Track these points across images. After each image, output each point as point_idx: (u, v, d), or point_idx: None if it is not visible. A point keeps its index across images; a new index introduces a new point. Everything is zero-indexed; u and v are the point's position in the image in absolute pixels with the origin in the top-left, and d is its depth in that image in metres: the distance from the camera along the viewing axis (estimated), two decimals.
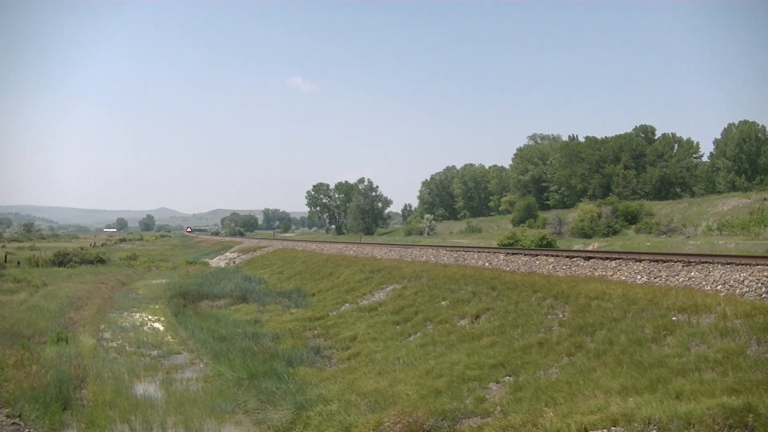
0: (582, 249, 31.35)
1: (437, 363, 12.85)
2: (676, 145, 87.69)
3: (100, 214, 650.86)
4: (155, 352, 18.48)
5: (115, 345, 19.31)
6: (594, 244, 39.81)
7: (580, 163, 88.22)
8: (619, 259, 16.50)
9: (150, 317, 25.49)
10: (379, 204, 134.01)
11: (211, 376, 15.46)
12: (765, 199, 47.83)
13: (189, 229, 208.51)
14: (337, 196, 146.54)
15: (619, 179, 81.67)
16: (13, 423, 10.70)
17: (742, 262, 13.11)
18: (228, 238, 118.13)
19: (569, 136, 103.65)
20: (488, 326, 14.42)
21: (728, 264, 13.20)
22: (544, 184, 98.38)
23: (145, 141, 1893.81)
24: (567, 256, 18.77)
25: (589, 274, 16.28)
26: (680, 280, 13.43)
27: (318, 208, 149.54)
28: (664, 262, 14.81)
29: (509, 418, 8.87)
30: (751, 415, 6.74)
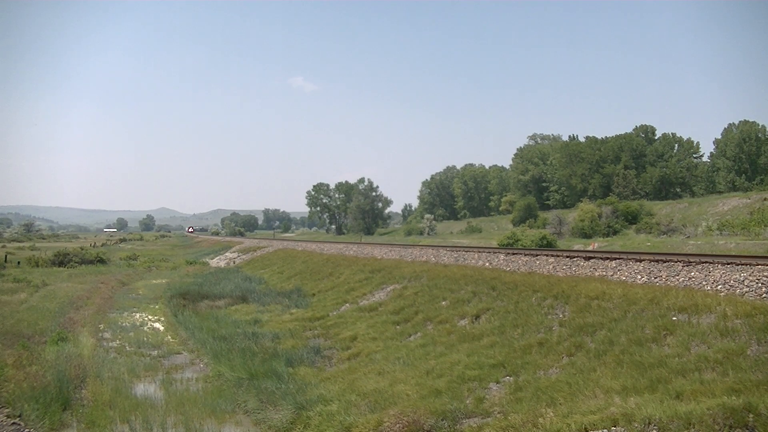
0: (582, 249, 31.34)
1: (437, 363, 12.85)
2: (676, 145, 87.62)
3: (100, 214, 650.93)
4: (155, 352, 18.47)
5: (115, 345, 19.30)
6: (594, 244, 39.77)
7: (580, 163, 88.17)
8: (619, 259, 16.49)
9: (150, 317, 25.48)
10: (379, 204, 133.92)
11: (211, 376, 15.45)
12: (765, 199, 47.80)
13: (191, 229, 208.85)
14: (337, 196, 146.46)
15: (620, 179, 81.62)
16: (13, 423, 10.69)
17: (743, 262, 13.10)
18: (228, 238, 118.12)
19: (569, 136, 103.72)
20: (488, 326, 14.42)
21: (728, 264, 13.19)
22: (544, 184, 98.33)
23: (145, 141, 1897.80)
24: (567, 256, 18.77)
25: (589, 274, 16.28)
26: (680, 280, 13.42)
27: (318, 208, 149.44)
28: (665, 262, 14.80)
29: (509, 418, 8.87)
30: (751, 415, 6.74)
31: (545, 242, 38.05)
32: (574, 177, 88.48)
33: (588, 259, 17.65)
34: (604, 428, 7.39)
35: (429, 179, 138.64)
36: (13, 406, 11.47)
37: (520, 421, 8.52)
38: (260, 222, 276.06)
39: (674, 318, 10.87)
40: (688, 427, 6.84)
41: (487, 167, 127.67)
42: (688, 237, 40.45)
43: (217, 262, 58.56)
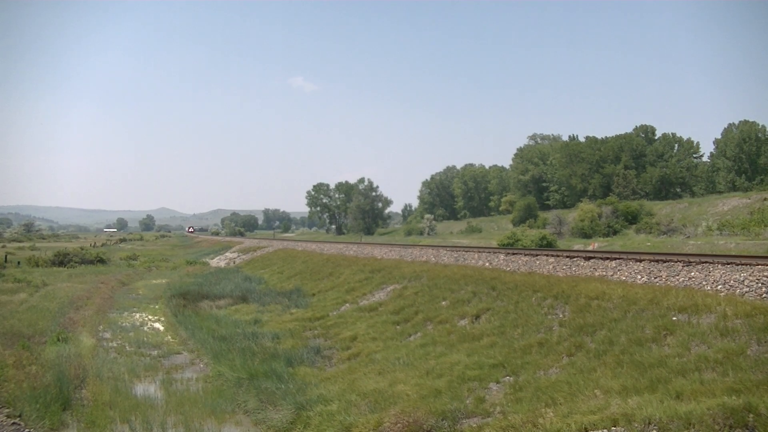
0: (582, 249, 31.34)
1: (437, 363, 12.85)
2: (676, 145, 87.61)
3: (100, 214, 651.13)
4: (155, 352, 18.47)
5: (115, 345, 19.31)
6: (594, 244, 39.77)
7: (580, 163, 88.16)
8: (619, 259, 16.49)
9: (150, 317, 25.49)
10: (379, 204, 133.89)
11: (211, 376, 15.45)
12: (765, 199, 47.80)
13: (191, 229, 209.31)
14: (337, 196, 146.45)
15: (620, 179, 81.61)
16: (14, 423, 10.69)
17: (743, 262, 13.10)
18: (228, 238, 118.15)
19: (569, 136, 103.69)
20: (488, 326, 14.42)
21: (728, 264, 13.19)
22: (544, 184, 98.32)
23: (145, 141, 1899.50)
24: (567, 256, 18.77)
25: (589, 274, 16.27)
26: (680, 280, 13.42)
27: (318, 208, 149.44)
28: (665, 262, 14.80)
29: (509, 418, 8.87)
30: (751, 415, 6.74)
31: (545, 242, 38.05)
32: (574, 177, 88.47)
33: (588, 259, 17.65)
34: (604, 428, 7.39)
35: (429, 179, 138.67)
36: (14, 406, 11.47)
37: (520, 421, 8.52)
38: (260, 222, 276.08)
39: (674, 318, 10.87)
40: (688, 427, 6.84)
41: (487, 167, 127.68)
42: (688, 237, 40.45)
43: (217, 262, 58.56)
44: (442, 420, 9.66)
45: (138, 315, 26.01)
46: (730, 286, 12.04)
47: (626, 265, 15.73)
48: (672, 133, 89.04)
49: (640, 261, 15.63)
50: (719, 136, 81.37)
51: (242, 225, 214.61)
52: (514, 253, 21.85)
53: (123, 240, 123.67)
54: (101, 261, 50.81)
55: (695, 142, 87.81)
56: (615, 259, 16.61)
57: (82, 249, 59.80)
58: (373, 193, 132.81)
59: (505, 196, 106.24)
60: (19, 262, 44.62)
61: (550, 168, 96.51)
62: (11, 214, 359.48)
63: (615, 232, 52.48)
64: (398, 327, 17.23)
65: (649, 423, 7.09)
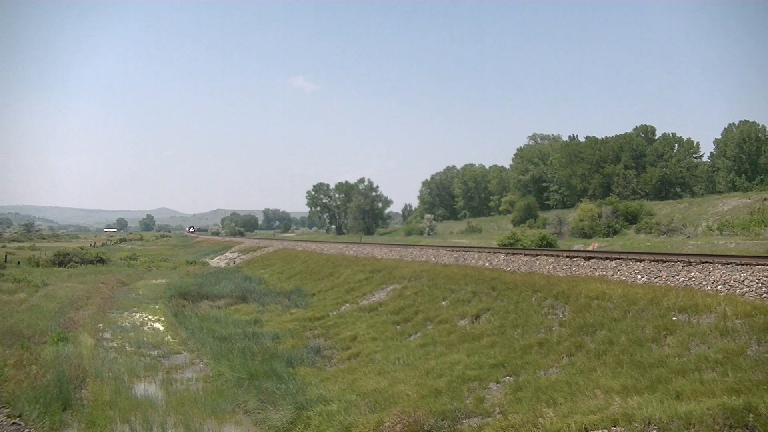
0: (582, 249, 31.33)
1: (437, 363, 12.85)
2: (676, 145, 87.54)
3: (100, 214, 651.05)
4: (155, 352, 18.47)
5: (115, 345, 19.30)
6: (594, 244, 39.76)
7: (580, 163, 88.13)
8: (619, 259, 16.49)
9: (150, 317, 25.48)
10: (379, 204, 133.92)
11: (211, 376, 15.45)
12: (765, 199, 47.77)
13: (191, 229, 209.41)
14: (337, 196, 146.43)
15: (620, 179, 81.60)
16: (14, 423, 10.69)
17: (743, 262, 13.10)
18: (228, 238, 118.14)
19: (569, 136, 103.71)
20: (488, 326, 14.42)
21: (728, 264, 13.19)
22: (544, 184, 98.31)
23: (145, 141, 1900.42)
24: (567, 256, 18.76)
25: (589, 274, 16.27)
26: (680, 280, 13.42)
27: (318, 208, 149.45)
28: (665, 262, 14.80)
29: (509, 418, 8.87)
30: (751, 415, 6.74)
31: (545, 242, 37.99)
32: (574, 177, 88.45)
33: (588, 259, 17.65)
34: (604, 428, 7.39)
35: (429, 179, 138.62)
36: (14, 406, 11.47)
37: (520, 421, 8.52)
38: (260, 222, 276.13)
39: (674, 318, 10.88)
40: (688, 427, 6.84)
41: (487, 167, 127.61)
42: (688, 237, 40.44)
43: (217, 262, 58.55)
44: (442, 420, 9.66)
45: (138, 315, 26.00)
46: (730, 286, 12.04)
47: (626, 265, 15.73)
48: (672, 133, 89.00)
49: (640, 261, 15.63)
50: (719, 136, 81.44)
51: (242, 225, 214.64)
52: (514, 253, 21.85)
53: (123, 240, 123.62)
54: (101, 261, 50.80)
55: (695, 142, 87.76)
56: (615, 259, 16.61)
57: (82, 249, 59.79)
58: (373, 193, 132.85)
59: (505, 196, 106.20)
60: (19, 262, 44.62)
61: (550, 168, 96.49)
62: (11, 214, 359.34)
63: (615, 232, 52.49)
64: (398, 327, 17.23)
65: (649, 423, 7.09)
